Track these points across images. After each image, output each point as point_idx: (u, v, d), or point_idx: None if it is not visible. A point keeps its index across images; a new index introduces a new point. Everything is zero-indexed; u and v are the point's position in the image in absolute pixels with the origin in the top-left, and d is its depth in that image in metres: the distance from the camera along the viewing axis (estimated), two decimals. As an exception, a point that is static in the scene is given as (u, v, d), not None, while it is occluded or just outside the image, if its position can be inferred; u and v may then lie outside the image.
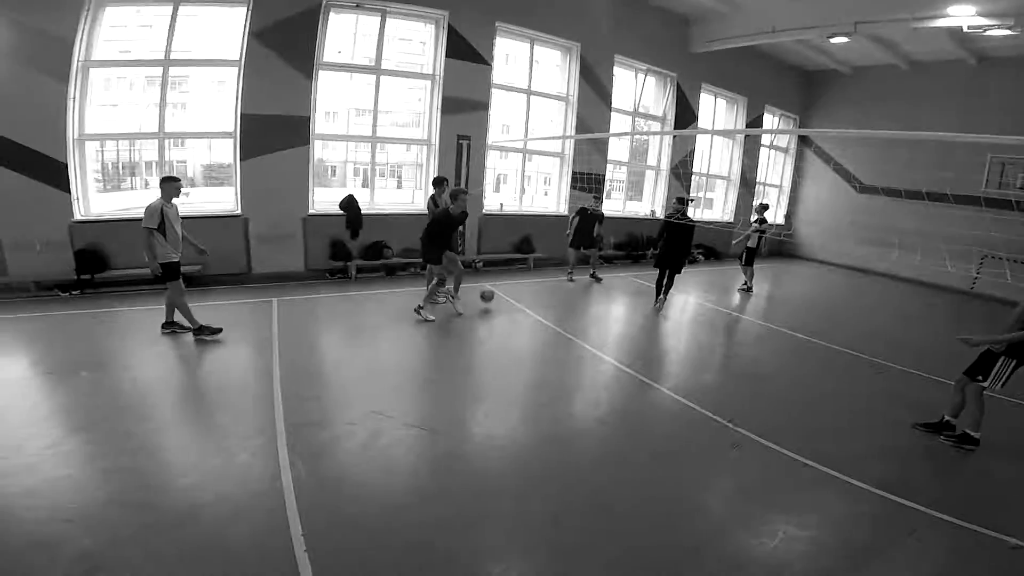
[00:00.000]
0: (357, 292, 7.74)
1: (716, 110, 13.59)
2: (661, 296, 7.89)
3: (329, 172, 11.93)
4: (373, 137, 9.10)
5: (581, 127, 10.63)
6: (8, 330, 5.72)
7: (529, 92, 10.35)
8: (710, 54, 11.93)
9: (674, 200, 8.07)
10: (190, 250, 5.80)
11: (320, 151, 10.78)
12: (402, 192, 10.63)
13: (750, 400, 4.95)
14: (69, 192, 7.20)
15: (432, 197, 7.58)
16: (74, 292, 7.21)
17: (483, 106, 9.65)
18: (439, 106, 9.27)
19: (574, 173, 10.89)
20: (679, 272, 7.83)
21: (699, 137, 13.13)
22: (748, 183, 14.55)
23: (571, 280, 9.52)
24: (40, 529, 2.66)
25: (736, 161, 14.20)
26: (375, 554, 2.68)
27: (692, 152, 12.87)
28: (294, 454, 3.44)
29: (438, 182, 7.67)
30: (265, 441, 3.58)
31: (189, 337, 5.63)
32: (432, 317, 6.61)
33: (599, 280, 9.62)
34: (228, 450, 3.48)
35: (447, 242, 6.72)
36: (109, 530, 2.69)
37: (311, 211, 8.70)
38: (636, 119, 11.96)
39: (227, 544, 2.67)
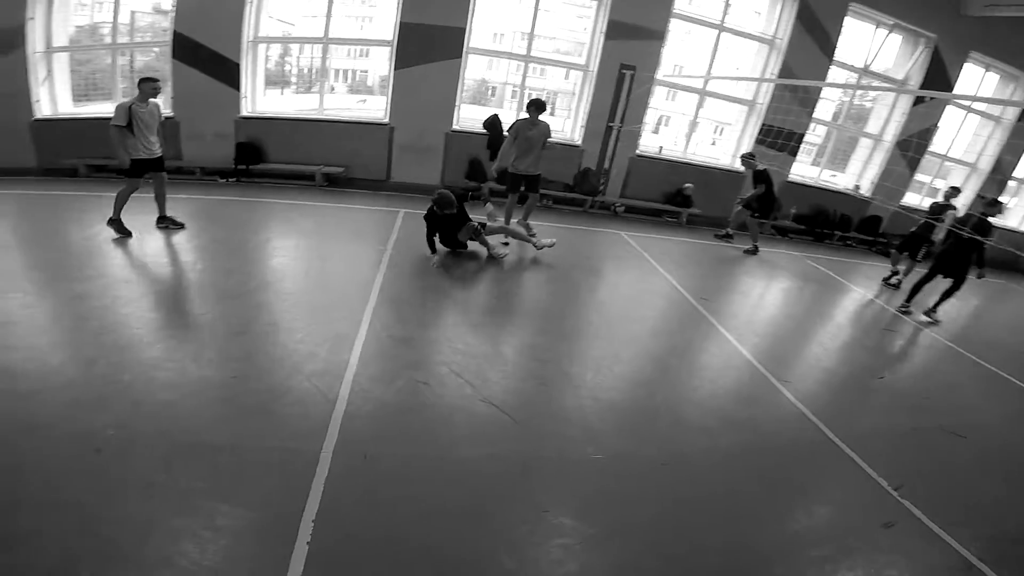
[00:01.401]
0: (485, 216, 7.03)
1: (982, 84, 10.10)
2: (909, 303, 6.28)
3: (489, 92, 11.48)
4: (527, 56, 8.22)
5: (787, 76, 8.55)
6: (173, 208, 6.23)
7: (721, 28, 8.51)
8: (992, 18, 8.71)
9: (983, 200, 5.94)
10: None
11: (484, 70, 10.32)
12: (552, 119, 9.71)
13: (931, 464, 3.38)
14: (239, 90, 7.63)
15: (515, 126, 6.09)
16: (231, 179, 7.75)
17: (657, 35, 8.10)
18: (604, 29, 7.97)
19: (764, 126, 8.92)
20: (962, 282, 6.01)
21: (947, 111, 9.92)
22: (1003, 172, 10.89)
23: (724, 237, 7.96)
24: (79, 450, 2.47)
25: (993, 145, 10.62)
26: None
27: (933, 128, 9.86)
28: (349, 411, 2.90)
29: (536, 105, 5.94)
30: (328, 384, 3.10)
31: (295, 241, 5.68)
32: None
33: (754, 251, 7.82)
34: (287, 391, 3.03)
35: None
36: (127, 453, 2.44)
37: (455, 127, 8.31)
38: (864, 78, 9.36)
39: (228, 501, 2.25)
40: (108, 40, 7.63)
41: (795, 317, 6.00)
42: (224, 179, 7.72)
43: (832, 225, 9.66)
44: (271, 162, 7.98)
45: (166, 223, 5.48)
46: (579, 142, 8.55)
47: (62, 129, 7.51)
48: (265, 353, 3.43)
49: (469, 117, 8.54)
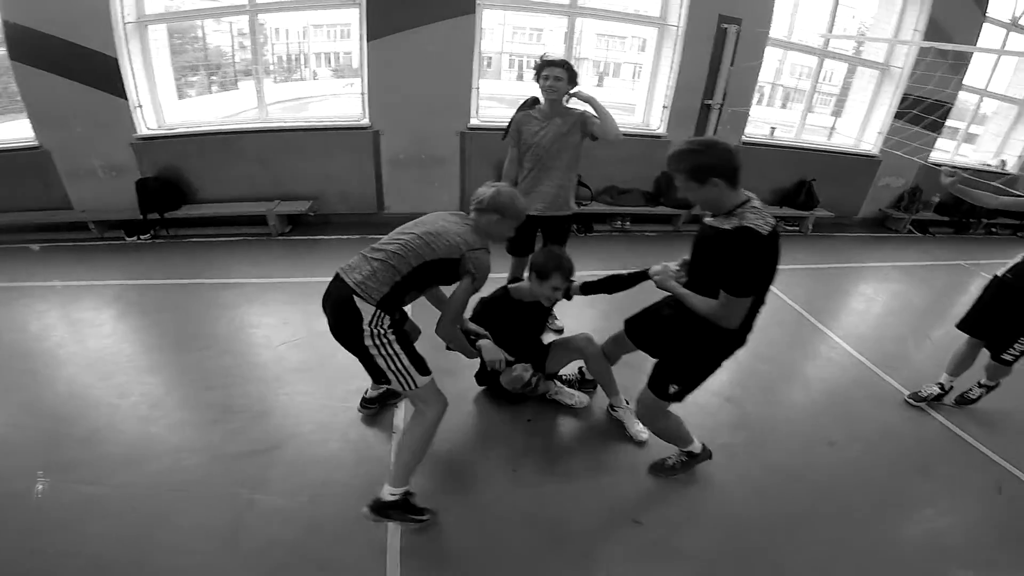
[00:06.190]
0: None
1: None
2: None
3: (485, 63, 8.67)
4: (570, 8, 5.46)
5: (935, 33, 5.91)
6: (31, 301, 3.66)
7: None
8: None
9: None
10: None
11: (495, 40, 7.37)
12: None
13: None
14: (126, 98, 4.88)
15: (513, 123, 3.27)
16: (143, 236, 5.14)
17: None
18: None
19: (907, 97, 6.31)
20: None
21: None
22: None
23: None
24: None
25: None
26: None
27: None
28: None
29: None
30: None
31: (247, 403, 2.95)
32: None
33: None
34: None
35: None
36: None
37: (473, 122, 5.52)
38: (1011, 34, 6.80)
39: None
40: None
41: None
42: (133, 236, 5.11)
43: (978, 212, 7.31)
44: (199, 201, 5.36)
45: None
46: (662, 130, 5.87)
47: None
48: None
49: (491, 105, 5.87)
